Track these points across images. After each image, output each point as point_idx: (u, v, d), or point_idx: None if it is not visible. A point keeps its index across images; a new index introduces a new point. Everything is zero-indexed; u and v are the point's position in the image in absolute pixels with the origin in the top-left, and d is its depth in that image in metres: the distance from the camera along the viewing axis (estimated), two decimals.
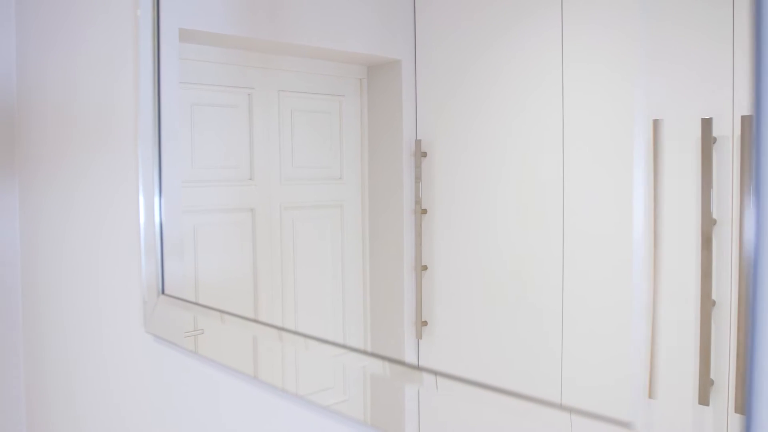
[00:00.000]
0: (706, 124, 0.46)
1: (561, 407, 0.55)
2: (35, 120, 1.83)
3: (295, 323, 0.91)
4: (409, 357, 0.72)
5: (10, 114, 2.00)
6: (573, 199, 0.55)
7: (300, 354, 0.85)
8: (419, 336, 0.72)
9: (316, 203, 0.90)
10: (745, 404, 0.44)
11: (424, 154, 0.70)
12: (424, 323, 0.71)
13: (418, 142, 0.71)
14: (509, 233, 0.62)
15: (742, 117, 0.44)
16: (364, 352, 0.76)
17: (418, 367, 0.69)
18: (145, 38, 1.18)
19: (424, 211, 0.71)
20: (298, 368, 0.86)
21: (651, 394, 0.50)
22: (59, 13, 1.64)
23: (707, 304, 0.46)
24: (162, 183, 1.15)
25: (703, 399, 0.47)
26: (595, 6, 0.52)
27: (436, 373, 0.66)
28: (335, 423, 0.80)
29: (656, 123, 0.49)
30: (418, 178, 0.71)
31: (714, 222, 0.46)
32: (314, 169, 0.90)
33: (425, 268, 0.71)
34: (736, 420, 0.44)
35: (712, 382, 0.46)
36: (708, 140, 0.46)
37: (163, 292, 1.16)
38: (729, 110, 0.45)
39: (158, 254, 1.16)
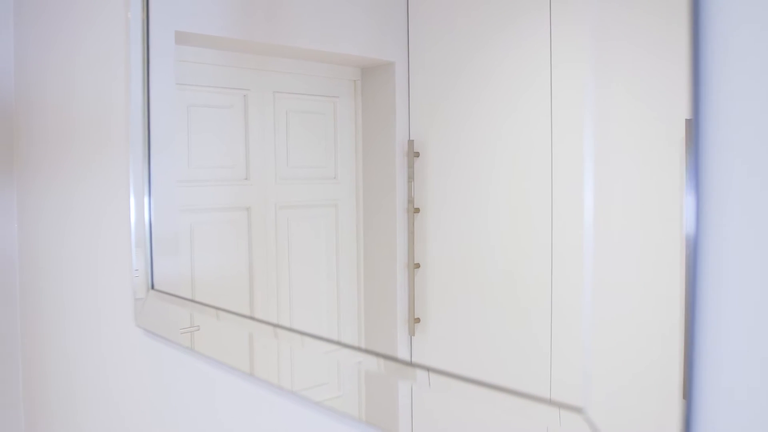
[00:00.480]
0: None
1: (549, 402, 0.56)
2: (34, 121, 1.83)
3: (290, 320, 0.91)
4: (402, 353, 0.72)
5: (8, 115, 1.99)
6: (561, 198, 0.56)
7: (295, 350, 0.85)
8: (412, 333, 0.72)
9: (311, 202, 0.90)
10: (686, 390, 0.45)
11: (417, 154, 0.71)
12: (417, 320, 0.72)
13: (410, 143, 0.71)
14: (500, 232, 0.63)
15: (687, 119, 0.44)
16: (358, 349, 0.77)
17: (411, 364, 0.70)
18: (135, 40, 1.18)
19: (417, 210, 0.71)
20: (294, 364, 0.86)
21: (637, 389, 0.50)
22: (57, 15, 1.64)
23: None
24: (151, 183, 1.18)
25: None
26: (583, 7, 0.52)
27: (428, 369, 0.67)
28: (330, 419, 0.80)
29: (643, 123, 0.49)
30: (410, 178, 0.72)
31: None
32: (309, 169, 0.90)
33: (418, 266, 0.72)
34: None
35: None
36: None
37: (152, 287, 1.18)
38: None
39: (148, 251, 1.18)
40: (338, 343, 0.79)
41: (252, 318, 0.95)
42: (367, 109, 0.79)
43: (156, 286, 1.18)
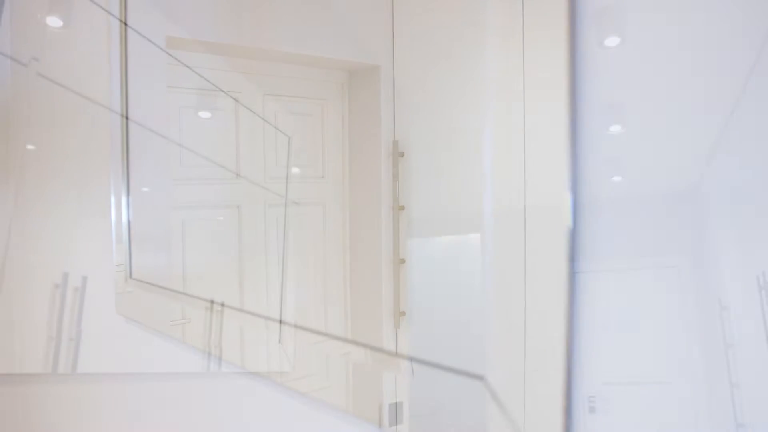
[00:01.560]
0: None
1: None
2: (32, 121, 1.80)
3: (279, 314, 0.91)
4: (388, 345, 0.73)
5: (5, 116, 1.96)
6: (535, 195, 0.56)
7: (285, 342, 0.85)
8: (397, 325, 0.72)
9: (300, 200, 0.90)
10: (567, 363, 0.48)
11: (402, 155, 0.71)
12: (402, 313, 0.72)
13: (395, 143, 0.71)
14: (480, 229, 0.63)
15: None
16: (346, 340, 0.77)
17: (396, 354, 0.70)
18: (114, 43, 1.19)
19: (402, 208, 0.71)
20: (283, 356, 0.86)
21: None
22: (55, 19, 1.61)
23: None
24: (130, 184, 1.22)
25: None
26: (556, 9, 0.53)
27: (412, 359, 0.67)
28: (318, 411, 0.80)
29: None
30: (395, 177, 0.72)
31: None
32: (298, 168, 0.90)
33: (403, 261, 0.72)
34: None
35: None
36: None
37: (130, 276, 1.21)
38: None
39: (127, 245, 1.24)
40: (327, 335, 0.79)
41: (243, 311, 0.95)
42: (354, 111, 0.79)
43: (146, 280, 1.19)
